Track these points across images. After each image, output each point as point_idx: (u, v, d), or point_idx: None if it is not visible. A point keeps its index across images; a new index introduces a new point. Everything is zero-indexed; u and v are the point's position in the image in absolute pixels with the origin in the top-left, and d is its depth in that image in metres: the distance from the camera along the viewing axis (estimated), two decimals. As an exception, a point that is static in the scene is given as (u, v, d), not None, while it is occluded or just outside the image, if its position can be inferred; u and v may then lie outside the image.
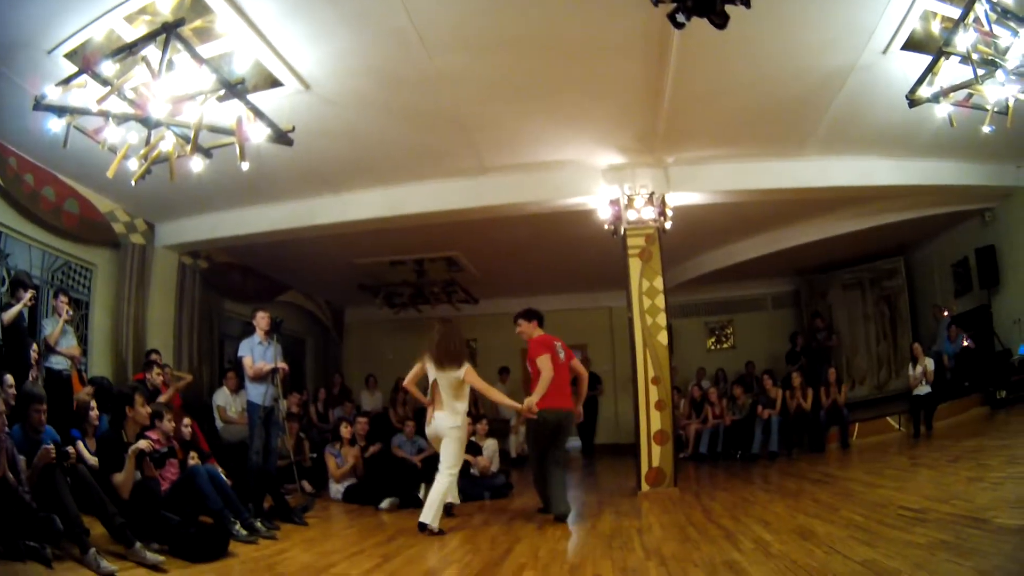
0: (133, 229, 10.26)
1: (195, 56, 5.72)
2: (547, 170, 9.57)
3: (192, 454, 7.62)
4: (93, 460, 6.18)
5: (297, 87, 7.04)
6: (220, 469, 7.08)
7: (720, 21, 5.72)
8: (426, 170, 9.46)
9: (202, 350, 11.41)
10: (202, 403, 10.41)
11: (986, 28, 6.36)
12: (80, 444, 6.16)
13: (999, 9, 6.25)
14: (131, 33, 6.17)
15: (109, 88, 5.75)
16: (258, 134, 6.13)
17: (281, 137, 6.21)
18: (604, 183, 9.55)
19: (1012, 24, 6.28)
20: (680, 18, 5.66)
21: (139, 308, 10.33)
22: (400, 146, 8.67)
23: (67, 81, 5.77)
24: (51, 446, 5.32)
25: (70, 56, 6.36)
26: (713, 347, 17.18)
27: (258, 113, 6.04)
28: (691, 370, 15.85)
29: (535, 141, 8.80)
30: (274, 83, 6.94)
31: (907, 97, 6.94)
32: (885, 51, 7.32)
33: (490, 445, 10.18)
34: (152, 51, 5.77)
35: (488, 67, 7.10)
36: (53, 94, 5.78)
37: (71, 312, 8.34)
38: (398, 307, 14.76)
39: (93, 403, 6.73)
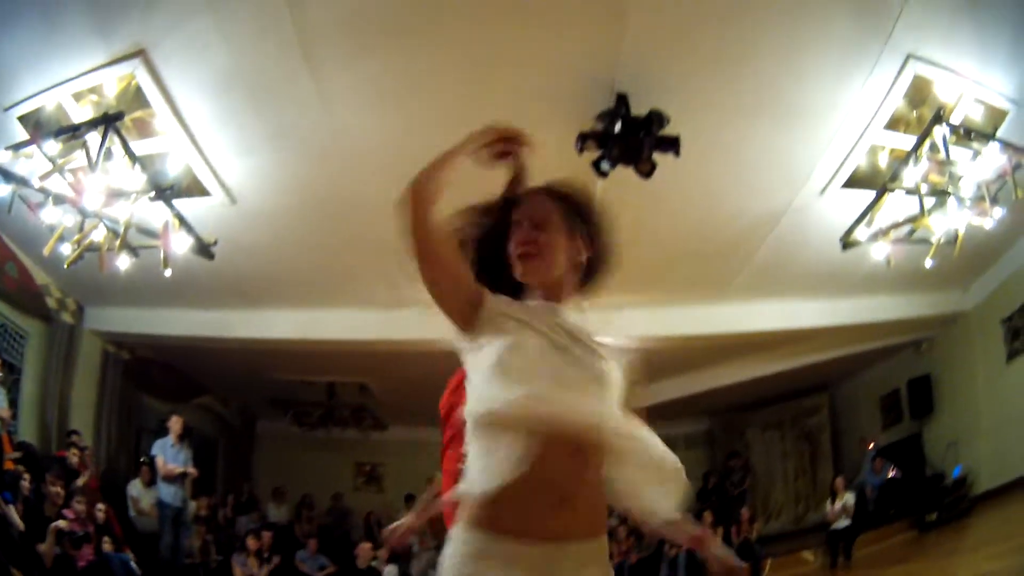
0: (64, 307, 10.10)
1: (129, 154, 5.80)
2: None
3: (106, 539, 7.51)
4: (21, 525, 6.16)
5: (223, 198, 7.07)
6: (132, 557, 6.99)
7: (647, 170, 5.82)
8: (340, 296, 9.41)
9: (121, 438, 11.13)
10: (119, 490, 10.15)
11: (941, 156, 6.49)
12: (11, 508, 6.09)
13: (961, 130, 6.43)
14: (78, 112, 6.25)
15: (52, 167, 5.84)
16: (182, 244, 6.19)
17: (203, 249, 6.27)
18: (518, 326, 9.46)
19: (975, 144, 6.44)
20: (605, 166, 5.73)
21: (65, 385, 10.10)
22: (317, 269, 8.68)
23: (17, 148, 5.86)
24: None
25: (23, 120, 6.37)
26: (623, 484, 16.84)
27: (183, 222, 6.08)
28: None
29: None
30: (203, 191, 6.98)
31: (841, 241, 7.02)
32: (823, 191, 7.40)
33: (391, 571, 10.21)
34: (94, 137, 5.85)
35: None
36: (3, 157, 5.85)
37: (3, 374, 8.25)
38: (307, 426, 14.63)
39: (26, 475, 6.65)
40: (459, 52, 5.84)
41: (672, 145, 5.90)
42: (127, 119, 6.16)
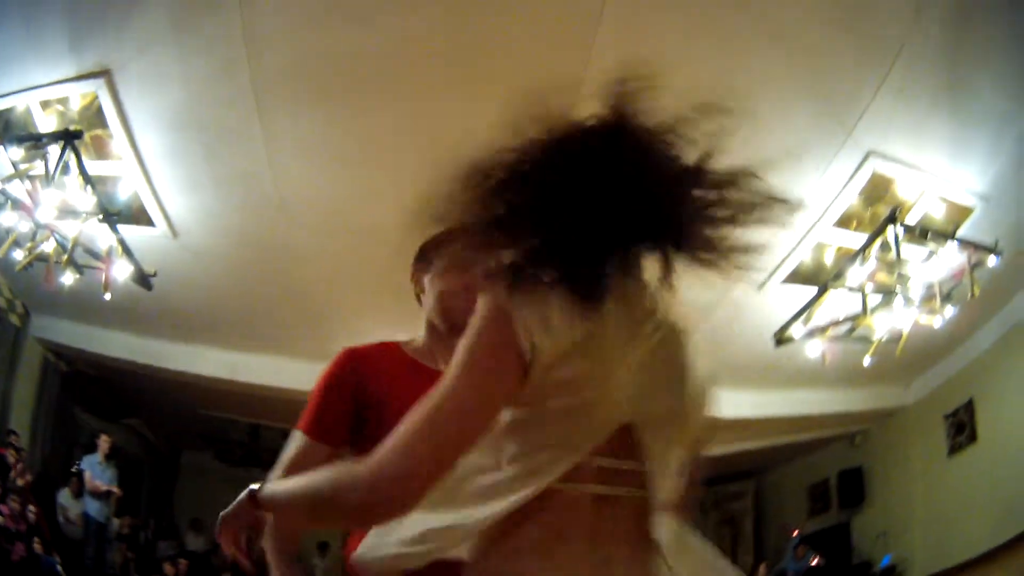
0: (13, 309, 9.98)
1: (83, 174, 5.80)
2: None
3: (36, 540, 7.54)
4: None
5: (165, 231, 7.09)
6: (59, 561, 7.28)
7: None
8: (268, 342, 9.42)
9: (55, 445, 11.00)
10: (50, 495, 10.07)
11: (891, 256, 6.44)
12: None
13: (916, 230, 6.43)
14: (43, 120, 6.30)
15: (14, 172, 5.88)
16: (123, 271, 6.26)
17: (142, 279, 6.33)
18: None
19: (931, 244, 6.43)
20: None
21: (8, 385, 10.01)
22: (249, 313, 8.69)
23: (-17, 145, 5.82)
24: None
25: (-7, 117, 6.37)
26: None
27: (126, 249, 6.11)
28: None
29: (379, 336, 8.79)
30: (148, 221, 7.00)
31: (775, 337, 6.99)
32: (762, 286, 7.38)
33: None
34: (54, 149, 5.83)
35: (344, 250, 7.22)
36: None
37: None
38: (228, 463, 14.60)
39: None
40: (404, 116, 5.88)
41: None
42: (87, 136, 6.19)
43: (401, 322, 8.55)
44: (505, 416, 1.34)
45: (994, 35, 5.51)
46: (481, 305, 1.36)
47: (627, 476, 1.36)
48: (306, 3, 5.31)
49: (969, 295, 6.72)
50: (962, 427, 9.79)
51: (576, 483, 1.31)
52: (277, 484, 1.52)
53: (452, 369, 1.31)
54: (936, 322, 6.81)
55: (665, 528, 1.40)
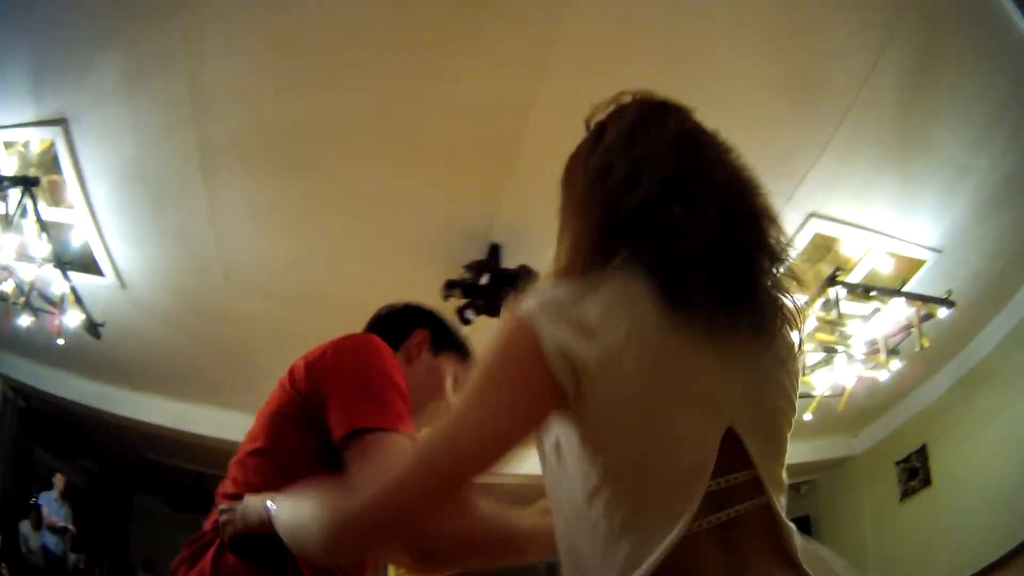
0: (-27, 345, 10.02)
1: (39, 221, 5.90)
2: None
3: (3, 566, 7.92)
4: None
5: (114, 281, 7.21)
6: None
7: None
8: (211, 395, 9.54)
9: (15, 478, 10.99)
10: (13, 525, 10.11)
11: (832, 315, 6.43)
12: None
13: (860, 289, 6.47)
14: (4, 161, 6.30)
15: None
16: (73, 319, 6.45)
17: (92, 328, 6.47)
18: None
19: (877, 300, 6.45)
20: (469, 315, 5.84)
21: (-32, 416, 9.99)
22: (192, 365, 8.83)
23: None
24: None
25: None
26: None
27: (77, 298, 6.23)
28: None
29: None
30: (97, 271, 7.10)
31: None
32: None
33: None
34: (14, 193, 5.90)
35: (282, 312, 7.38)
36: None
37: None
38: (176, 508, 14.54)
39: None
40: (345, 187, 6.01)
41: (539, 303, 6.01)
42: (44, 181, 6.26)
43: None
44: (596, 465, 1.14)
45: (954, 87, 5.53)
46: (499, 324, 1.23)
47: (742, 489, 1.19)
48: (251, 72, 5.42)
49: (917, 347, 6.71)
50: (915, 472, 9.83)
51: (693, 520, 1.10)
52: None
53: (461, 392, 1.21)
54: (881, 376, 6.83)
55: (796, 536, 1.26)
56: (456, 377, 2.16)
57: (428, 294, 6.28)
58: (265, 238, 6.62)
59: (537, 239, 6.04)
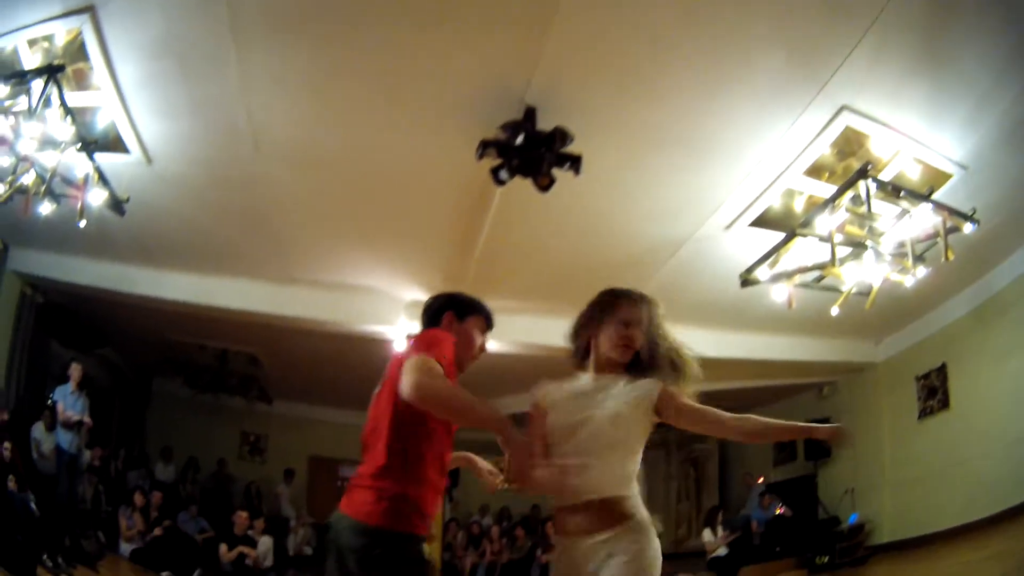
0: (-7, 245, 10.04)
1: (64, 106, 5.99)
2: (351, 293, 9.68)
3: (11, 477, 7.70)
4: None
5: (140, 158, 7.14)
6: (32, 499, 7.48)
7: (545, 184, 5.87)
8: (236, 267, 9.52)
9: (30, 380, 11.08)
10: (25, 432, 10.15)
11: (862, 209, 6.39)
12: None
13: (889, 187, 6.40)
14: (29, 58, 6.37)
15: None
16: (97, 197, 6.49)
17: (116, 206, 6.49)
18: (405, 317, 9.54)
19: (904, 203, 6.39)
20: (503, 175, 5.79)
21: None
22: (217, 238, 8.78)
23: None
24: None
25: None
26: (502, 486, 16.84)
27: (102, 177, 6.23)
28: (475, 504, 15.39)
29: (343, 263, 9.06)
30: (123, 149, 7.04)
31: (740, 277, 6.95)
32: (729, 226, 7.43)
33: (265, 542, 10.58)
34: (38, 84, 5.95)
35: (311, 181, 7.39)
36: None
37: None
38: (197, 389, 14.65)
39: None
40: (377, 50, 5.86)
41: (573, 163, 5.95)
42: (69, 69, 6.29)
43: (357, 253, 8.63)
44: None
45: (982, 15, 5.49)
46: None
47: None
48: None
49: (943, 258, 6.62)
50: (934, 391, 9.89)
51: None
52: None
53: None
54: (908, 281, 6.78)
55: None
56: (481, 331, 3.27)
57: (458, 159, 6.34)
58: (294, 104, 6.49)
59: (574, 101, 5.93)
